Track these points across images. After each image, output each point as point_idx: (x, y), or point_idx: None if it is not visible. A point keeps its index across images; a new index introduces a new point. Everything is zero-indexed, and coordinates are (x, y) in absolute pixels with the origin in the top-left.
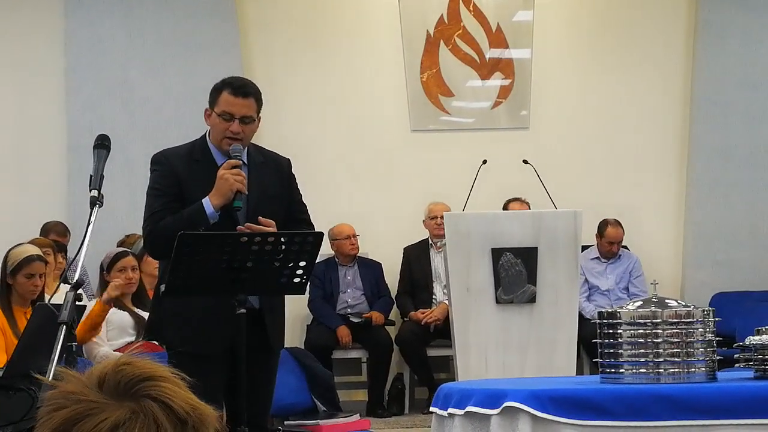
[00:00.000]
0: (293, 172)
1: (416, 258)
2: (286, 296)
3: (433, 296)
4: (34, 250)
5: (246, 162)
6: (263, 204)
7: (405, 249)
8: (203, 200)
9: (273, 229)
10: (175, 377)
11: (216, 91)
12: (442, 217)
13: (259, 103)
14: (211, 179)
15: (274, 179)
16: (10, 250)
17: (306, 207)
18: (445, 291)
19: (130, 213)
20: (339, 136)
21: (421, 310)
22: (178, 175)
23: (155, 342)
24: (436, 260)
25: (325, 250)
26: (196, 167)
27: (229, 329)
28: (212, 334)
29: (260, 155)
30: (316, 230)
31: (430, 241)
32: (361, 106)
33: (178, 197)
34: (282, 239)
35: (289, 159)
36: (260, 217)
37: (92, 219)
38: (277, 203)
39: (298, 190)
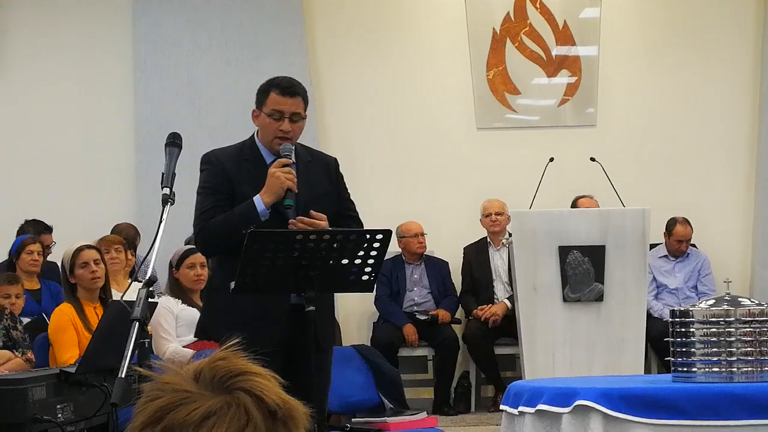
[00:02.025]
0: (341, 172)
1: (475, 257)
2: (354, 294)
3: (495, 295)
4: (83, 242)
5: (294, 161)
6: (312, 202)
7: (465, 248)
8: (254, 198)
9: (324, 223)
10: (269, 374)
11: (263, 92)
12: (497, 214)
13: (305, 101)
14: (260, 178)
15: (322, 177)
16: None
17: (354, 204)
18: (508, 289)
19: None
20: (406, 135)
21: (480, 307)
22: (228, 173)
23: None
24: (496, 258)
25: (393, 248)
26: (245, 166)
27: (282, 326)
28: (266, 331)
29: (308, 154)
30: (384, 228)
31: (489, 240)
32: (428, 105)
33: (229, 196)
34: (351, 237)
35: (335, 158)
36: (312, 211)
37: (164, 216)
38: (326, 201)
39: (346, 188)
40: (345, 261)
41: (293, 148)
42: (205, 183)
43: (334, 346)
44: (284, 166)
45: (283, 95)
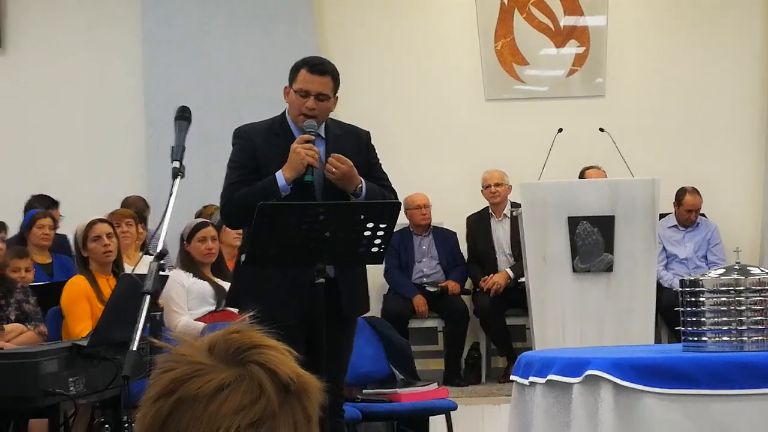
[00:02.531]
0: (372, 144)
1: (477, 228)
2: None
3: (498, 266)
4: (95, 216)
5: (324, 136)
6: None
7: (467, 219)
8: (276, 173)
9: (349, 164)
10: (283, 347)
11: (295, 69)
12: (496, 185)
13: (336, 81)
14: (287, 153)
15: (351, 150)
16: (78, 226)
17: (386, 175)
18: (510, 259)
19: (207, 185)
20: (413, 106)
21: (483, 278)
22: (255, 148)
23: (234, 310)
24: (498, 230)
25: (401, 220)
26: (274, 141)
27: (306, 299)
28: (290, 303)
29: (338, 128)
30: (393, 200)
31: (490, 211)
32: (435, 76)
33: (255, 170)
34: (360, 209)
35: (368, 131)
36: (334, 154)
37: (174, 190)
38: (357, 172)
39: (377, 159)
40: (354, 233)
41: (316, 124)
42: (233, 157)
43: (361, 317)
44: (307, 142)
45: (312, 73)
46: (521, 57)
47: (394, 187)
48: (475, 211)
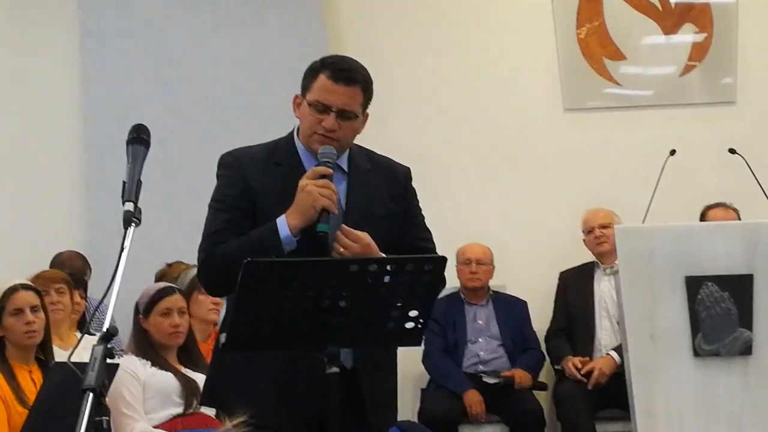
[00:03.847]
0: (413, 186)
1: (575, 284)
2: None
3: (597, 339)
4: (18, 280)
5: (347, 169)
6: (365, 225)
7: (561, 274)
8: (278, 219)
9: (365, 243)
10: None
11: (311, 73)
12: (603, 227)
13: (366, 94)
14: (294, 191)
15: (383, 194)
16: None
17: (430, 233)
18: (617, 334)
19: (172, 234)
20: (463, 127)
21: (579, 358)
22: (249, 183)
23: (210, 412)
24: (603, 286)
25: (449, 282)
26: (275, 173)
27: (313, 397)
28: (291, 403)
29: (367, 161)
30: (435, 255)
31: (597, 262)
32: (495, 80)
33: (248, 213)
34: (389, 267)
35: (408, 168)
36: (344, 226)
37: (127, 243)
38: (385, 225)
39: (419, 210)
40: (381, 303)
41: (335, 152)
42: (217, 195)
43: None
44: (322, 177)
45: (335, 80)
46: (615, 49)
47: (438, 235)
48: (572, 266)
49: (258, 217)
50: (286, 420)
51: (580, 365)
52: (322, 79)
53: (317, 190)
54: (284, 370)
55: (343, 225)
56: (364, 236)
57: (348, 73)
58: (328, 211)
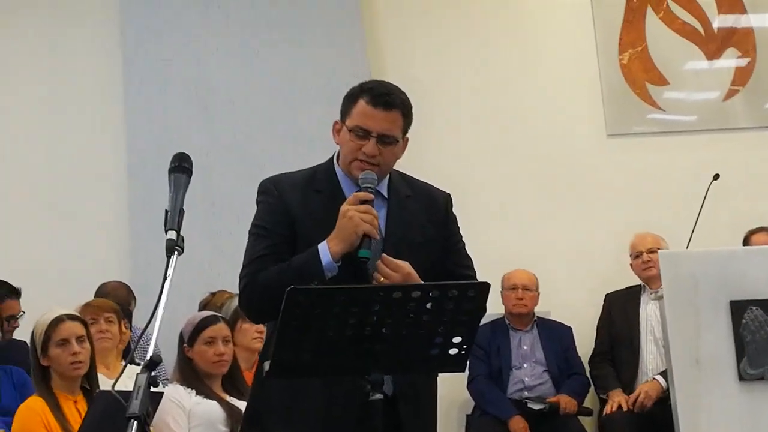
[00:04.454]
0: (453, 212)
1: (621, 308)
2: (438, 376)
3: (641, 363)
4: (64, 311)
5: (386, 195)
6: (405, 252)
7: (607, 296)
8: (319, 245)
9: (405, 272)
10: None
11: (351, 98)
12: (651, 252)
13: (407, 119)
14: (334, 217)
15: (423, 220)
16: (36, 323)
17: (471, 260)
18: (662, 351)
19: (216, 263)
20: (507, 153)
21: (625, 397)
22: (289, 209)
23: None
24: (649, 309)
25: (493, 308)
26: (315, 200)
27: (350, 421)
28: (330, 427)
29: (407, 187)
30: (480, 281)
31: (644, 286)
32: (538, 108)
33: (289, 239)
34: (431, 293)
35: (448, 194)
36: (385, 255)
37: (170, 271)
38: (425, 252)
39: (460, 236)
40: (424, 329)
41: (376, 178)
42: (258, 221)
43: None
44: (363, 202)
45: (375, 106)
46: (658, 74)
47: (480, 261)
48: (618, 290)
49: (298, 244)
50: None
51: (625, 404)
52: (362, 104)
53: (359, 216)
54: (324, 396)
55: (384, 254)
56: (405, 265)
57: (387, 98)
58: (370, 236)
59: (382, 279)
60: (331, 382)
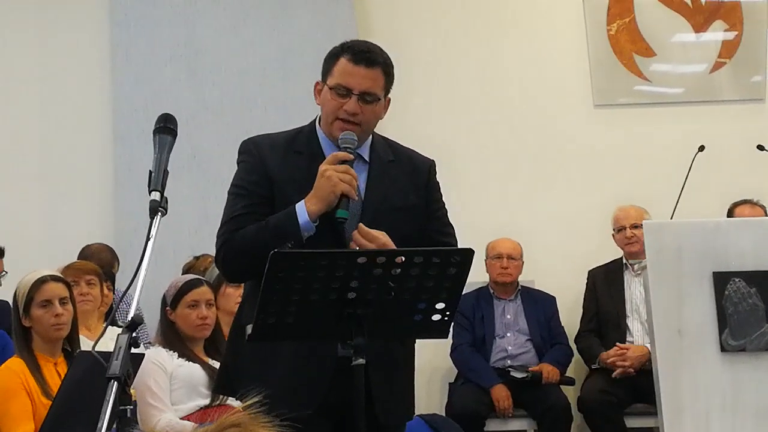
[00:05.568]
0: (437, 179)
1: (605, 285)
2: (417, 342)
3: (628, 338)
4: (47, 272)
5: (367, 159)
6: (384, 217)
7: (590, 272)
8: (296, 205)
9: (381, 242)
10: None
11: (332, 58)
12: (635, 227)
13: (388, 77)
14: (313, 179)
15: (404, 185)
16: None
17: (452, 228)
18: (648, 329)
19: (200, 225)
20: (493, 122)
21: (616, 348)
22: (269, 170)
23: (236, 404)
24: (633, 287)
25: (478, 277)
26: (295, 161)
27: (324, 384)
28: (302, 389)
29: (389, 152)
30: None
31: (625, 261)
32: (524, 76)
33: (268, 200)
34: (415, 259)
35: (432, 161)
36: (361, 225)
37: (153, 233)
38: (405, 218)
39: (442, 203)
40: (407, 295)
41: (356, 138)
42: (238, 180)
43: (418, 416)
44: (342, 162)
45: (356, 63)
46: (645, 45)
47: (466, 228)
48: (601, 264)
49: (276, 205)
50: (297, 408)
51: (615, 355)
52: (343, 62)
53: (337, 175)
54: (297, 358)
55: (360, 224)
56: (382, 235)
57: (369, 55)
58: (348, 196)
59: (357, 249)
60: (305, 346)
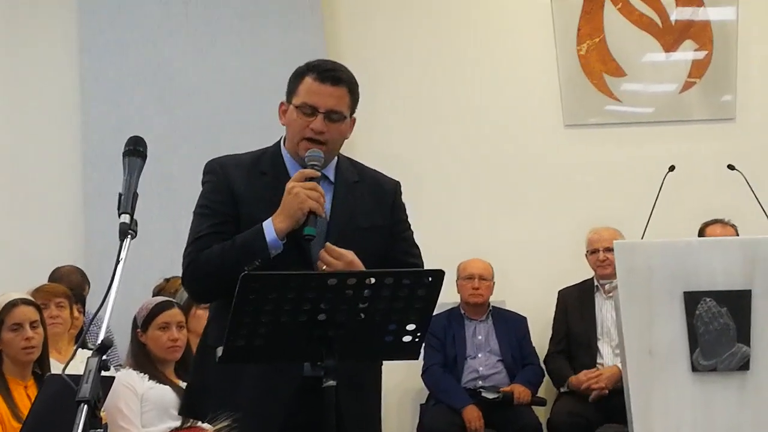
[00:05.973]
0: (402, 200)
1: (576, 306)
2: (388, 363)
3: (599, 360)
4: (18, 295)
5: (333, 179)
6: (350, 236)
7: (560, 293)
8: (264, 223)
9: (348, 260)
10: None
11: (297, 77)
12: (607, 250)
13: (353, 96)
14: (278, 199)
15: (370, 205)
16: None
17: (418, 249)
18: (617, 352)
19: (171, 247)
20: (463, 142)
21: (585, 372)
22: (234, 190)
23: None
24: (605, 310)
25: (448, 297)
26: (261, 182)
27: (288, 407)
28: (269, 412)
29: (355, 173)
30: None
31: (596, 283)
32: (495, 98)
33: (233, 219)
34: (386, 280)
35: (397, 182)
36: (328, 244)
37: (123, 255)
38: (370, 238)
39: (407, 224)
40: (378, 316)
41: (322, 156)
42: (202, 200)
43: None
44: (310, 179)
45: (322, 81)
46: (615, 65)
47: (436, 250)
48: (572, 284)
49: (242, 225)
50: (265, 429)
51: (585, 378)
52: (308, 81)
53: (305, 192)
54: (265, 379)
55: (327, 243)
56: (348, 253)
57: (334, 73)
58: (316, 214)
59: (324, 267)
60: (272, 368)
